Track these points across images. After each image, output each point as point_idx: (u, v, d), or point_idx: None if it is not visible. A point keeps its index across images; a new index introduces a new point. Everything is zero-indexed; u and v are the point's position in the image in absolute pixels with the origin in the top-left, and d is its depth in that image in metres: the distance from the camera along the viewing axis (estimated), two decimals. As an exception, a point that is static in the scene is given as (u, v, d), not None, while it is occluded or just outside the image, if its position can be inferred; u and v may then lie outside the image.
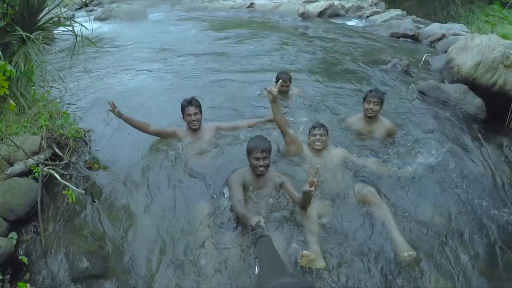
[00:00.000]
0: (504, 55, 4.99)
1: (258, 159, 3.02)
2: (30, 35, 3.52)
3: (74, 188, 2.96)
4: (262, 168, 3.04)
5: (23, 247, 2.87)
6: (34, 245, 2.89)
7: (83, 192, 3.10)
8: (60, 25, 4.06)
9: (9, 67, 2.60)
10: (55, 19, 4.00)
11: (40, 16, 3.86)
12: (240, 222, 2.89)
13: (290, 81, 4.87)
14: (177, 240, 2.87)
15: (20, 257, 2.71)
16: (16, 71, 3.35)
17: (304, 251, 2.60)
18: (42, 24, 3.93)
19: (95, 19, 11.01)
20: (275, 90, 3.29)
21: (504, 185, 3.72)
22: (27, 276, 2.69)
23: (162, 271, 2.66)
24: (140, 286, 2.60)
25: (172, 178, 3.42)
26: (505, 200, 3.55)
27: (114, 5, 12.71)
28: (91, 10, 12.55)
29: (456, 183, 3.59)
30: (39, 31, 3.92)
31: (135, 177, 3.47)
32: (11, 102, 2.49)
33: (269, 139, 3.23)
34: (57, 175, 3.09)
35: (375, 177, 3.52)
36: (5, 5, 3.51)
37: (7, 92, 2.56)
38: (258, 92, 5.12)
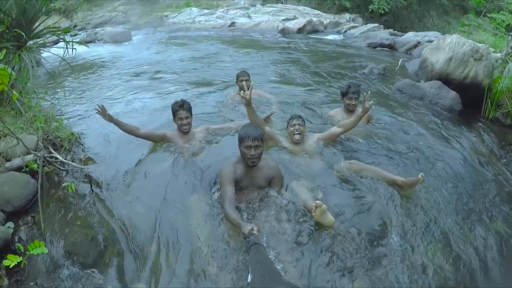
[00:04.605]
0: (473, 49, 5.32)
1: (249, 147, 2.91)
2: (27, 39, 3.66)
3: (74, 164, 3.04)
4: (254, 159, 2.96)
5: (20, 237, 2.84)
6: (31, 235, 2.87)
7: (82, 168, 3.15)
8: (55, 33, 4.19)
9: (9, 70, 2.70)
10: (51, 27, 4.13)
11: (36, 25, 4.01)
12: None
13: (249, 76, 4.97)
14: (172, 229, 2.89)
15: (16, 245, 2.67)
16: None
17: (318, 201, 2.58)
18: (38, 32, 4.05)
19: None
20: (248, 93, 3.28)
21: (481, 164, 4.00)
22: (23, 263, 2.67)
23: (157, 258, 2.66)
24: (137, 272, 2.60)
25: (165, 172, 3.51)
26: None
27: (98, 28, 12.95)
28: (75, 35, 12.69)
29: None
30: (34, 40, 4.07)
31: (129, 172, 3.57)
32: (14, 92, 2.58)
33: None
34: (58, 156, 3.19)
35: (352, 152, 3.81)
36: (1, 14, 3.66)
37: (5, 88, 2.64)
38: (229, 101, 5.25)
